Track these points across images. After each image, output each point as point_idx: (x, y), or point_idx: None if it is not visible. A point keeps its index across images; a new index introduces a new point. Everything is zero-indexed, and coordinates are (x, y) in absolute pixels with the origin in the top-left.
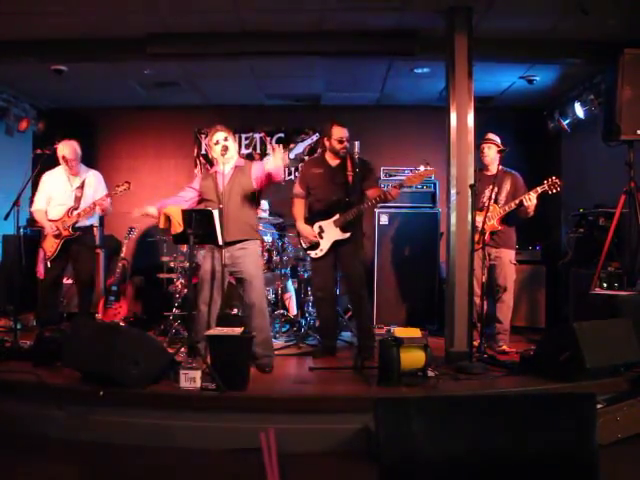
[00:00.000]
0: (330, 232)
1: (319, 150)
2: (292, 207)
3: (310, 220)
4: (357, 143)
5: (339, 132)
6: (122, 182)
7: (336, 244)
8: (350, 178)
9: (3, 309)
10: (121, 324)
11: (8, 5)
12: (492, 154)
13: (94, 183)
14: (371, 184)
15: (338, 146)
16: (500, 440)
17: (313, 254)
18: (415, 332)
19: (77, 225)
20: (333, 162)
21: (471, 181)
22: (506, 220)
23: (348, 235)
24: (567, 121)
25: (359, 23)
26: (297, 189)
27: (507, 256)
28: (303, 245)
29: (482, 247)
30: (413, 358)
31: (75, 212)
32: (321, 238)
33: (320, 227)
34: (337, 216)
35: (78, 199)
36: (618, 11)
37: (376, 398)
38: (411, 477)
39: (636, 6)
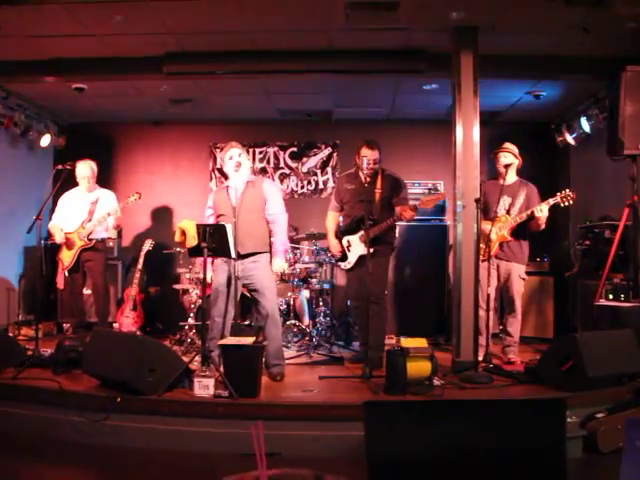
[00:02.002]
0: (356, 247)
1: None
2: (326, 219)
3: (341, 234)
4: (365, 159)
5: (365, 153)
6: (133, 192)
7: (362, 257)
8: (378, 196)
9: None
10: (138, 333)
11: (31, 28)
12: (508, 163)
13: (106, 200)
14: (399, 201)
15: (363, 166)
16: (477, 440)
17: (342, 266)
18: (422, 342)
19: (92, 236)
20: (365, 179)
21: (477, 195)
22: (518, 232)
23: (372, 250)
24: (574, 135)
25: (368, 42)
26: (332, 203)
27: (517, 271)
28: (334, 257)
29: (488, 259)
30: (419, 367)
31: (89, 224)
32: (349, 252)
33: (348, 241)
34: (362, 232)
35: (92, 213)
36: (619, 29)
37: (363, 402)
38: (396, 474)
39: (636, 25)
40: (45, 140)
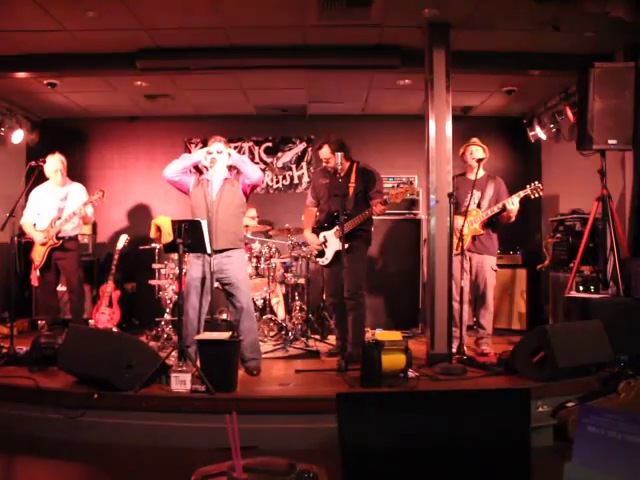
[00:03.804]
0: (332, 242)
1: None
2: (303, 215)
3: (317, 230)
4: (339, 154)
5: (321, 154)
6: (97, 190)
7: (338, 253)
8: (352, 190)
9: None
10: (114, 329)
11: (1, 23)
12: (481, 157)
13: (76, 195)
14: (373, 195)
15: (324, 164)
16: (444, 429)
17: (320, 262)
18: (396, 335)
19: (61, 235)
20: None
21: (449, 189)
22: (489, 225)
23: (347, 246)
24: (545, 130)
25: (342, 38)
26: (308, 198)
27: (489, 262)
28: (312, 253)
29: (461, 252)
30: (394, 360)
31: (58, 222)
32: (326, 247)
33: (325, 237)
34: (336, 228)
35: (61, 210)
36: (588, 27)
37: (337, 393)
38: (368, 462)
39: (604, 23)
40: (17, 136)
